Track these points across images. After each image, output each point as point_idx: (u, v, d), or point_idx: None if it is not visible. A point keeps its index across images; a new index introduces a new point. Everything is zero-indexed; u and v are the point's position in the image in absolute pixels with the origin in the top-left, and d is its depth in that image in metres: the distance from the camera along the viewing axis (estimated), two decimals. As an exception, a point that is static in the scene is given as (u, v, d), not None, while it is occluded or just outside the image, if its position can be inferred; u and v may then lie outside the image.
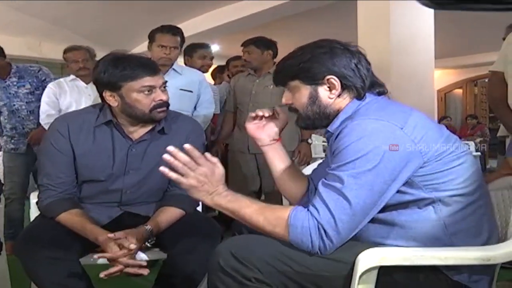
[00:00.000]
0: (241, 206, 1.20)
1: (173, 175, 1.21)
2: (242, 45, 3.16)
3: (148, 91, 1.60)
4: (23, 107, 3.16)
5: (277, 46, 3.15)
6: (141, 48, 6.16)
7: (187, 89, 2.74)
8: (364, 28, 3.99)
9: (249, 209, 1.19)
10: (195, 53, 3.31)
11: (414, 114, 1.20)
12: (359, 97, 1.28)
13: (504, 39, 2.83)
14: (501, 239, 1.37)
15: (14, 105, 3.16)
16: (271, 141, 1.46)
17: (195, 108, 2.82)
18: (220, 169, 1.24)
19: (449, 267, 1.16)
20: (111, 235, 1.49)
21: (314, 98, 1.28)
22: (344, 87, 1.26)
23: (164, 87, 1.66)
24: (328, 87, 1.27)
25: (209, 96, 2.88)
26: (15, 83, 3.14)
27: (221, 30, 6.11)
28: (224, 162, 3.17)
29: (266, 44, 3.09)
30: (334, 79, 1.26)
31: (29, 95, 3.16)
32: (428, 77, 4.17)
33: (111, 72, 1.59)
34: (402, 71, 3.86)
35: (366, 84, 1.27)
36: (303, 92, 1.29)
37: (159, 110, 1.63)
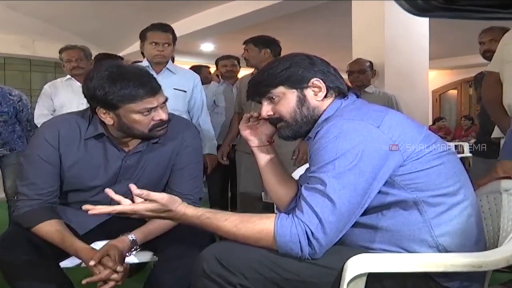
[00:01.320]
0: (218, 224, 1.17)
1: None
2: (243, 43, 3.12)
3: (148, 111, 1.49)
4: None
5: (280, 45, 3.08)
6: (133, 48, 6.13)
7: (181, 88, 2.71)
8: (358, 28, 3.98)
9: (224, 228, 1.16)
10: None
11: (390, 113, 1.20)
12: (343, 96, 1.30)
13: (480, 43, 2.85)
14: (493, 244, 1.34)
15: None
16: (263, 143, 1.44)
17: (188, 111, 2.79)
18: (159, 200, 1.22)
19: (439, 274, 1.14)
20: (92, 262, 1.40)
21: (302, 101, 1.28)
22: (328, 89, 1.28)
23: (164, 104, 1.56)
24: (314, 89, 1.28)
25: (200, 102, 2.83)
26: None
27: (215, 29, 6.07)
28: (231, 163, 3.14)
29: (264, 43, 3.04)
30: (319, 81, 1.28)
31: (2, 122, 3.07)
32: (422, 77, 4.17)
33: (108, 90, 1.44)
34: (396, 71, 3.85)
35: (345, 86, 1.30)
36: (290, 97, 1.28)
37: (158, 129, 1.55)
